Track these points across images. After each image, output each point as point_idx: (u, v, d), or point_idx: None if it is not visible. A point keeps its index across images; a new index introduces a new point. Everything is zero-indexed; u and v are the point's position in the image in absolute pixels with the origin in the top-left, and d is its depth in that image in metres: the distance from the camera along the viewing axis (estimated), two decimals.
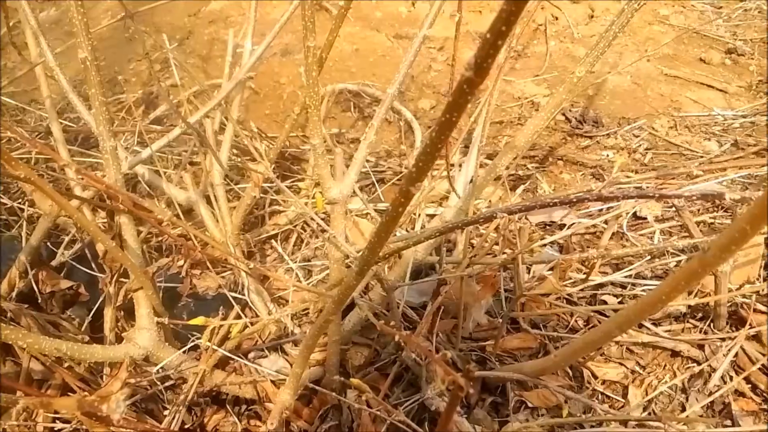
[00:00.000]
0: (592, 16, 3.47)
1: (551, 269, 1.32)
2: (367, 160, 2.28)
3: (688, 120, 2.76)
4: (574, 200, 0.90)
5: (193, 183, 1.67)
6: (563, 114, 2.69)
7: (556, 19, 3.38)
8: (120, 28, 3.49)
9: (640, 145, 2.56)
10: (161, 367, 1.38)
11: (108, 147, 1.33)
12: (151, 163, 2.12)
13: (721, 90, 2.98)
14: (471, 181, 1.55)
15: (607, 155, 2.47)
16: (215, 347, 1.35)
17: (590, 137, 2.57)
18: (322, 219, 1.73)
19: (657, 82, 3.00)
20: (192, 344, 1.41)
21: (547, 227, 2.03)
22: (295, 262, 1.92)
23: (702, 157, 2.50)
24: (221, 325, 1.48)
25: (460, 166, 1.62)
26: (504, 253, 1.50)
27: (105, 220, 1.68)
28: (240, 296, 1.60)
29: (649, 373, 1.61)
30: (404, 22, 3.23)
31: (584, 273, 1.62)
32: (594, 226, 2.02)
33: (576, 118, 2.63)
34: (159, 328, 1.39)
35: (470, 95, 0.45)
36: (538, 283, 1.51)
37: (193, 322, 1.02)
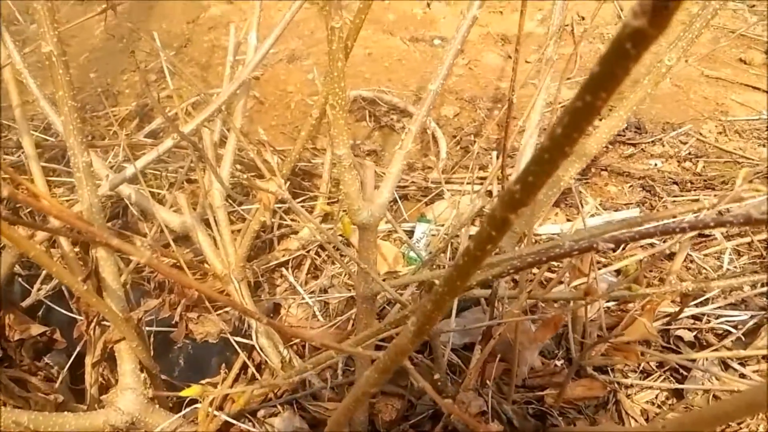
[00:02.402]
0: (621, 16, 3.22)
1: (641, 308, 1.05)
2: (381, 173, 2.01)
3: (737, 124, 2.49)
4: (697, 225, 0.64)
5: (189, 205, 1.40)
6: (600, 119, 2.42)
7: (583, 18, 3.13)
8: (113, 38, 3.26)
9: (690, 153, 2.29)
10: None
11: (81, 163, 1.07)
12: (144, 182, 1.86)
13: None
14: None
15: (655, 164, 2.21)
16: (216, 412, 1.08)
17: (634, 145, 2.30)
18: (344, 244, 1.46)
19: (698, 84, 2.74)
20: (189, 409, 1.13)
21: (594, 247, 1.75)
22: (310, 293, 1.65)
23: (758, 164, 2.23)
24: (224, 380, 1.21)
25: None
26: (566, 284, 1.23)
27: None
28: (246, 341, 1.33)
29: (740, 424, 1.33)
30: (419, 25, 2.98)
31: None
32: (651, 245, 1.74)
33: None
34: (146, 387, 1.12)
35: (634, 59, 0.25)
36: (616, 321, 1.23)
37: (187, 393, 0.75)
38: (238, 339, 1.35)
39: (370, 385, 0.74)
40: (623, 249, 1.64)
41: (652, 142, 2.33)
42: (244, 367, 1.39)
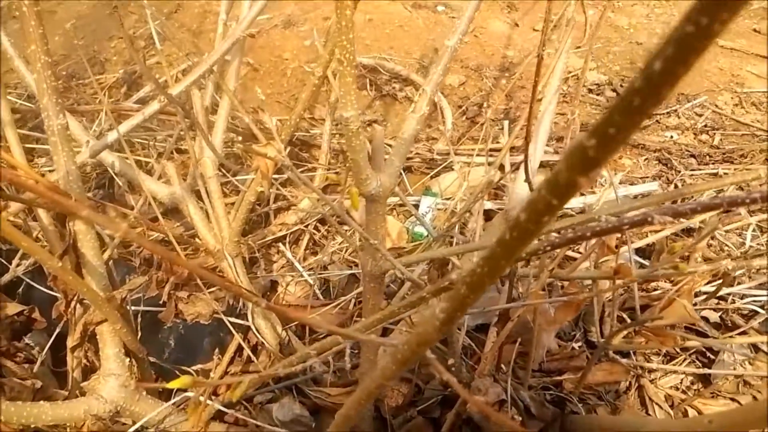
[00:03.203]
0: None
1: (677, 290, 0.95)
2: (388, 145, 1.90)
3: (754, 96, 2.39)
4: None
5: (179, 175, 1.29)
6: (613, 90, 2.31)
7: None
8: (100, 5, 3.11)
9: (706, 125, 2.18)
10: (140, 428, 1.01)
11: (56, 126, 0.96)
12: (130, 151, 1.74)
13: None
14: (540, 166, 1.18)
15: (671, 136, 2.10)
16: (209, 401, 0.98)
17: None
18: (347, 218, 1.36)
19: (713, 54, 2.63)
20: (180, 396, 1.04)
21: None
22: (309, 271, 1.55)
23: None
24: (218, 366, 1.11)
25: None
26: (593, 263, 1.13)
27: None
28: (242, 322, 1.23)
29: None
30: None
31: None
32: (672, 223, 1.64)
33: None
34: (131, 372, 1.02)
35: None
36: (644, 302, 1.14)
37: (174, 384, 0.65)
38: (233, 320, 1.24)
39: (386, 378, 0.64)
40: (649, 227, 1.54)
41: (667, 113, 2.22)
42: (240, 349, 1.29)
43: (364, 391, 0.70)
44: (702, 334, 1.24)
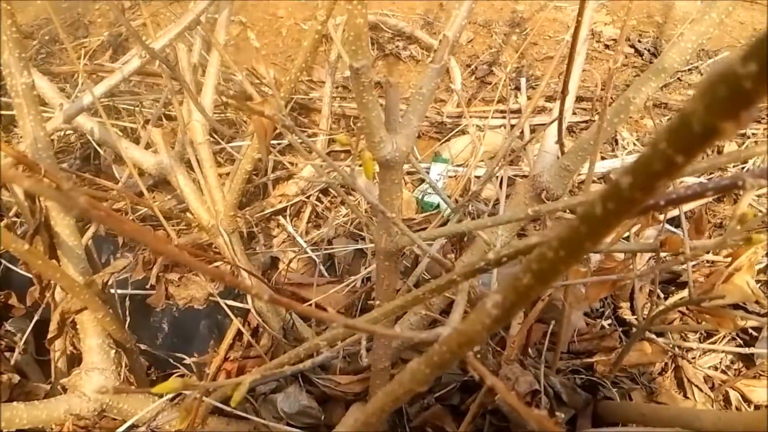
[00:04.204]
0: None
1: (730, 263, 0.84)
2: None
3: None
4: None
5: (166, 143, 1.16)
6: (632, 46, 2.17)
7: None
8: None
9: None
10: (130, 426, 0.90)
11: (20, 86, 0.83)
12: (116, 118, 1.60)
13: None
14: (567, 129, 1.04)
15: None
16: (205, 398, 0.87)
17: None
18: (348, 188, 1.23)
19: (732, 7, 2.47)
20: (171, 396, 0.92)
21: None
22: (312, 246, 1.43)
23: None
24: (216, 356, 1.00)
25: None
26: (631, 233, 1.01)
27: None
28: (241, 304, 1.12)
29: None
30: None
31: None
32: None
33: (648, 50, 2.12)
34: (118, 365, 0.91)
35: None
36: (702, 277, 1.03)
37: (161, 389, 0.53)
38: (230, 302, 1.13)
39: (417, 383, 0.52)
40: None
41: (689, 70, 2.08)
42: (239, 333, 1.18)
43: (390, 396, 0.59)
44: (746, 310, 1.13)
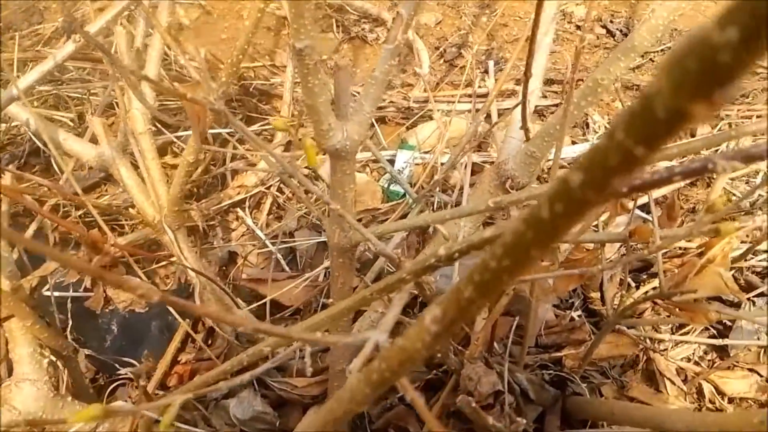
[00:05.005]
0: None
1: (703, 252, 0.80)
2: (356, 93, 1.70)
3: None
4: None
5: (108, 133, 1.08)
6: (603, 26, 2.12)
7: None
8: None
9: None
10: None
11: None
12: (57, 108, 1.52)
13: None
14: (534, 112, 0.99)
15: None
16: (147, 412, 0.81)
17: (641, 55, 2.01)
18: (312, 177, 1.17)
19: None
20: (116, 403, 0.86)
21: None
22: (272, 239, 1.37)
23: None
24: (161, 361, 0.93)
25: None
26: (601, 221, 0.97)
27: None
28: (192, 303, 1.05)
29: None
30: None
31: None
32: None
33: (620, 31, 2.07)
34: (52, 375, 0.84)
35: None
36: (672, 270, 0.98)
37: (81, 418, 0.46)
38: (183, 301, 1.06)
39: (357, 403, 0.47)
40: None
41: (662, 50, 2.04)
42: (190, 336, 1.11)
43: (330, 414, 0.53)
44: (721, 301, 1.09)
